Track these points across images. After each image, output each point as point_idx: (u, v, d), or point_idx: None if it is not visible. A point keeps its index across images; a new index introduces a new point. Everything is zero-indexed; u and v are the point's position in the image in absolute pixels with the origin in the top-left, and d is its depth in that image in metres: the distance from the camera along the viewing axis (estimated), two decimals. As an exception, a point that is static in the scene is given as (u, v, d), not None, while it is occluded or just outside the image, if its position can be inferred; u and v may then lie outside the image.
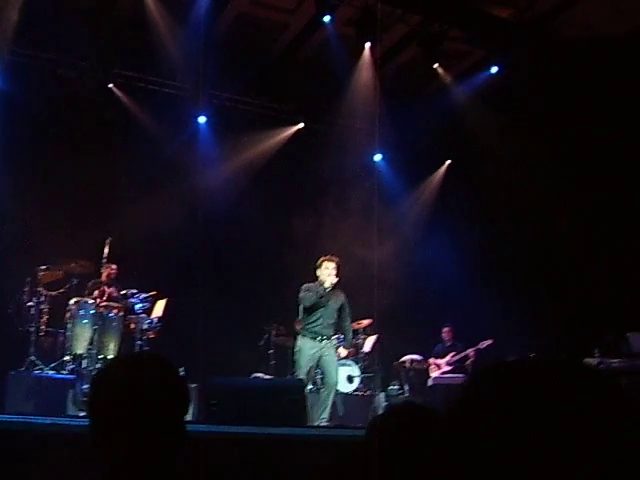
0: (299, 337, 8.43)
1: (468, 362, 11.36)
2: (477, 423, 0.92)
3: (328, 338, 8.33)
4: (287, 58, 12.55)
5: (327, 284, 8.23)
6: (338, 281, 8.34)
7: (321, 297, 8.25)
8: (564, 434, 0.86)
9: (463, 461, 0.92)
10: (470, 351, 11.31)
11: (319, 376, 9.12)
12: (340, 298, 8.52)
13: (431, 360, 11.56)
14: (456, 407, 0.97)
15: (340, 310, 8.51)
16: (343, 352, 8.86)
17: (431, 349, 11.73)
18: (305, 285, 8.42)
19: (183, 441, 1.85)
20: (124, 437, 1.75)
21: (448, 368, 11.39)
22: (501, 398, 0.92)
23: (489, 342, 11.18)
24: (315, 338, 8.24)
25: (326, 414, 8.08)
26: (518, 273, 11.81)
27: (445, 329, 11.79)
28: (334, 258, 8.41)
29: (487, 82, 12.05)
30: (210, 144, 12.11)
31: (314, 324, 8.29)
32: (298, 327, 8.75)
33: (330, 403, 8.18)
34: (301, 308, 8.43)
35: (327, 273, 8.26)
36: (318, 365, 8.41)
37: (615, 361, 8.81)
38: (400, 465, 2.03)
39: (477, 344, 11.27)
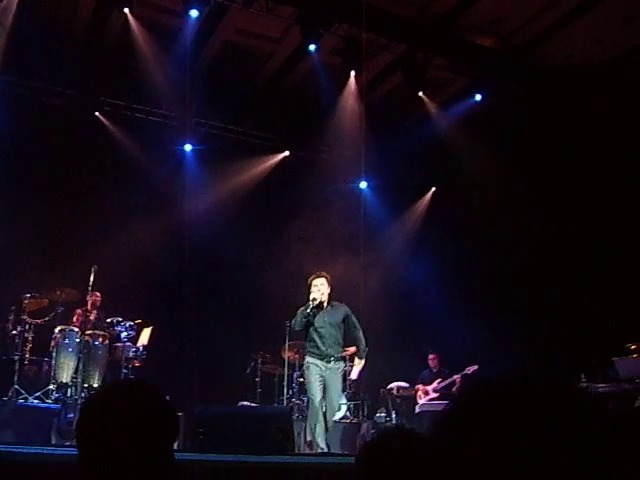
0: (306, 357, 8.09)
1: (455, 388, 11.35)
2: (463, 441, 0.91)
3: (336, 359, 7.98)
4: (273, 86, 12.64)
5: (310, 301, 7.93)
6: (330, 295, 8.06)
7: (307, 316, 7.95)
8: (547, 452, 0.86)
9: None
10: (457, 377, 11.31)
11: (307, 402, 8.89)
12: (340, 311, 8.17)
13: (419, 386, 11.55)
14: (441, 427, 0.97)
15: (344, 323, 8.16)
16: (355, 371, 8.55)
17: (416, 375, 11.72)
18: (299, 309, 8.12)
19: (172, 469, 1.82)
20: (113, 465, 1.73)
21: (435, 395, 11.37)
22: (485, 416, 0.91)
23: (475, 368, 11.19)
24: (322, 358, 7.91)
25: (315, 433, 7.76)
26: (504, 299, 11.85)
27: (431, 356, 11.78)
28: (322, 274, 8.15)
29: (471, 109, 12.16)
30: (196, 172, 12.12)
31: (315, 344, 7.95)
32: (289, 354, 8.60)
33: (322, 426, 7.79)
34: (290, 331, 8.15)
35: (315, 290, 8.00)
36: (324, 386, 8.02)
37: (602, 386, 8.80)
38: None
39: (463, 370, 11.28)
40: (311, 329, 8.01)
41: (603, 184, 10.92)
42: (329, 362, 7.92)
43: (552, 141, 11.29)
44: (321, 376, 7.90)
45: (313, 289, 8.04)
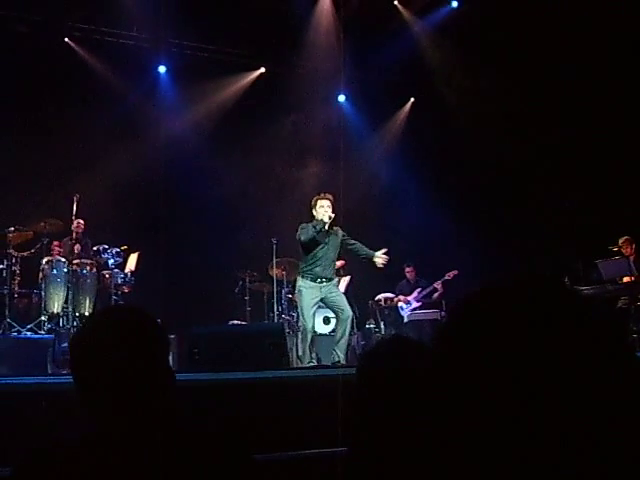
0: (299, 279, 8.08)
1: (436, 295, 11.44)
2: (468, 350, 0.89)
3: (328, 280, 7.98)
4: (246, 0, 12.29)
5: (325, 219, 7.81)
6: (335, 217, 7.94)
7: (319, 232, 7.84)
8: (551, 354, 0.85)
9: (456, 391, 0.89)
10: (437, 284, 11.41)
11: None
12: (339, 234, 8.14)
13: (400, 297, 11.60)
14: (444, 336, 0.95)
15: (342, 245, 8.17)
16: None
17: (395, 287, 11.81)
18: (302, 224, 8.01)
19: (173, 382, 1.84)
20: (110, 390, 1.74)
21: (418, 304, 11.49)
22: (489, 322, 0.90)
23: (455, 272, 11.28)
24: (315, 280, 7.91)
25: (342, 351, 7.87)
26: (485, 206, 11.92)
27: (408, 268, 11.77)
28: (328, 195, 8.01)
29: (448, 17, 11.98)
30: (172, 94, 11.96)
31: (314, 265, 7.92)
32: (277, 271, 8.69)
33: (347, 338, 8.02)
34: (301, 250, 8.05)
35: (322, 211, 7.86)
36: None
37: (585, 288, 8.94)
38: (394, 397, 2.05)
39: (443, 277, 11.37)
40: (314, 246, 7.95)
41: (587, 90, 10.84)
42: (321, 283, 7.92)
43: (528, 45, 11.14)
44: (314, 300, 7.94)
45: (319, 210, 7.91)
